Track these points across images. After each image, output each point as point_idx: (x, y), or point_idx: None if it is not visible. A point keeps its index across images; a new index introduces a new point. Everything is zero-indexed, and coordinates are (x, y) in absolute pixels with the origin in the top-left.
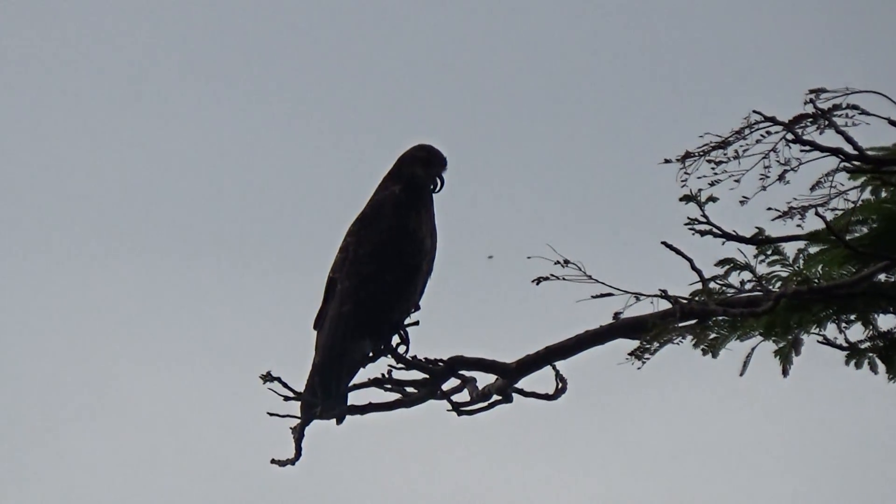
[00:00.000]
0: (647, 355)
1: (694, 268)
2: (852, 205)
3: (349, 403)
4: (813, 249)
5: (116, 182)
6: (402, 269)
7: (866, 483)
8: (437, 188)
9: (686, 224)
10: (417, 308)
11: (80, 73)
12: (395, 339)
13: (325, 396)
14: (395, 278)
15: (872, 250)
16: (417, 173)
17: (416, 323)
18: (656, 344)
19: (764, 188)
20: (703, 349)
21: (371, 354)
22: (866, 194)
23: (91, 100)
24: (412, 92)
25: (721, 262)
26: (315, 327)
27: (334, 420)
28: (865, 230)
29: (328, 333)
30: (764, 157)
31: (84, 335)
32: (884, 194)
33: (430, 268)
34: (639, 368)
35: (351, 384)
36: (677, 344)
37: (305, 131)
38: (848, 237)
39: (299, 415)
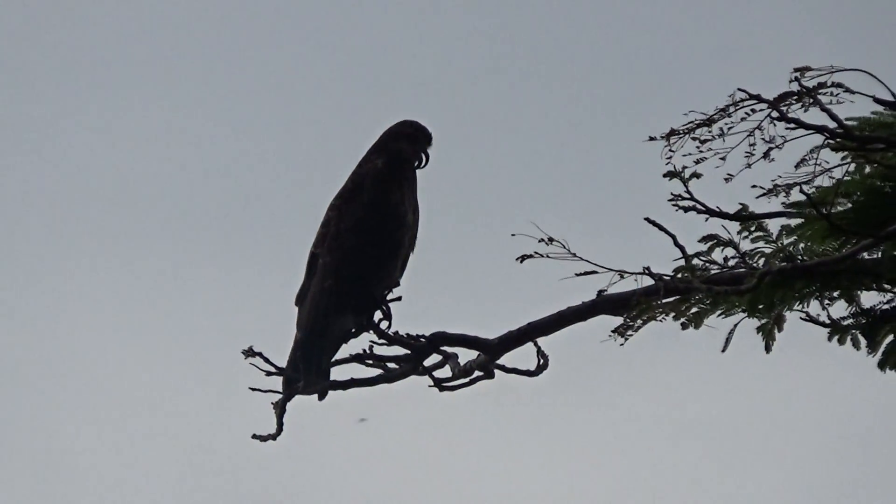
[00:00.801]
0: (629, 332)
1: (677, 244)
2: (836, 182)
3: (331, 379)
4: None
5: (95, 166)
6: (384, 244)
7: (849, 457)
8: (422, 164)
9: (669, 200)
10: (397, 284)
11: (68, 70)
12: (378, 315)
13: (307, 372)
14: (377, 253)
15: (855, 225)
16: (403, 148)
17: (399, 298)
18: (639, 321)
19: (749, 166)
20: (682, 323)
21: (353, 330)
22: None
23: (74, 94)
24: (395, 67)
25: (704, 239)
26: (297, 303)
27: (316, 395)
28: (849, 204)
29: (310, 309)
30: (749, 135)
31: (63, 314)
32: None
33: (411, 243)
34: (621, 345)
35: (333, 360)
36: (660, 321)
37: (286, 104)
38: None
39: (281, 390)
